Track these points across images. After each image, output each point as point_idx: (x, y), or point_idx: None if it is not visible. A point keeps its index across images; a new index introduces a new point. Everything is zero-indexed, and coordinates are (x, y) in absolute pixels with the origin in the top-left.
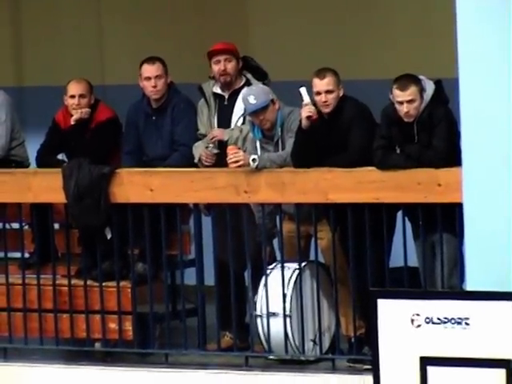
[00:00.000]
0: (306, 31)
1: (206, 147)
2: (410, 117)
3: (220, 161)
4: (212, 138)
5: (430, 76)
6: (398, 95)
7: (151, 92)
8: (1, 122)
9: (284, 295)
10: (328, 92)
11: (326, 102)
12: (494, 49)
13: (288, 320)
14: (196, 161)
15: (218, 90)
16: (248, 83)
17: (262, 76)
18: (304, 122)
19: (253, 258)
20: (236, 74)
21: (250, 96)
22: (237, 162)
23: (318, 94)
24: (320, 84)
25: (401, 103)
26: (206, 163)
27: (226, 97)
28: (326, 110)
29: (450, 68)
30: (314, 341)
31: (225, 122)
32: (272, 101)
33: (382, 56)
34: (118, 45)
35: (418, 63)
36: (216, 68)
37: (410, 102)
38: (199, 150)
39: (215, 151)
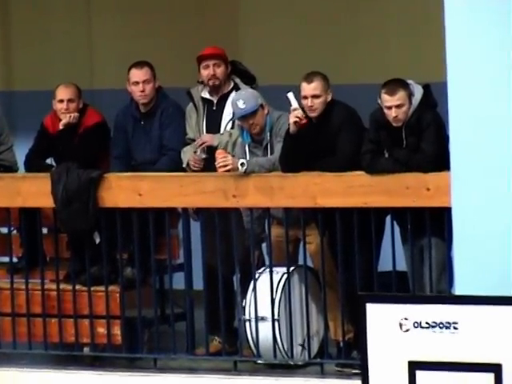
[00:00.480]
0: (296, 35)
1: (195, 152)
2: (399, 121)
3: (209, 165)
4: (201, 144)
5: (419, 80)
6: (387, 100)
7: (139, 97)
8: None
9: (272, 299)
10: (314, 97)
11: (312, 106)
12: (482, 53)
13: (276, 324)
14: (184, 165)
15: (206, 94)
16: (236, 87)
17: (250, 80)
18: (292, 127)
19: (241, 262)
20: (225, 78)
21: (239, 100)
22: (225, 166)
23: (305, 98)
24: (307, 88)
25: (389, 108)
26: (195, 168)
27: (215, 101)
28: (313, 115)
29: (438, 72)
30: (302, 345)
31: (214, 126)
32: (261, 105)
33: (371, 60)
34: (107, 49)
35: (406, 67)
36: (205, 73)
37: (398, 106)
38: (187, 154)
39: (203, 156)
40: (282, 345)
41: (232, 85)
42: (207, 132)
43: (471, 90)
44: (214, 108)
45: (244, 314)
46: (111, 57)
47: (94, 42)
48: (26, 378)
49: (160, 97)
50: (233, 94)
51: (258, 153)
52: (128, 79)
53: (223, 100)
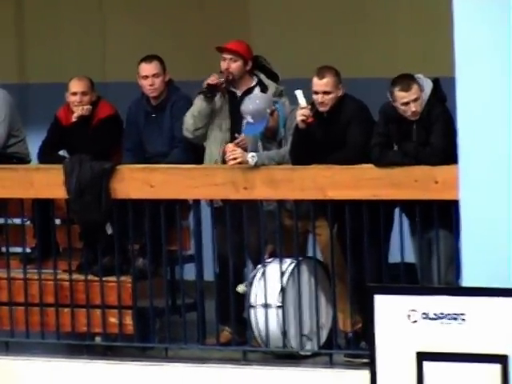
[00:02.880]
0: (307, 30)
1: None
2: (417, 115)
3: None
4: (242, 141)
5: (428, 74)
6: (403, 96)
7: (148, 90)
8: None
9: (282, 288)
10: (325, 93)
11: (322, 102)
12: (490, 48)
13: (281, 312)
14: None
15: (230, 87)
16: (261, 83)
17: (273, 77)
18: (300, 125)
19: (254, 253)
20: (241, 74)
21: (248, 115)
22: (235, 159)
23: (316, 93)
24: (318, 84)
25: (407, 104)
26: (211, 82)
27: (239, 95)
28: (323, 109)
29: (447, 67)
30: (306, 336)
31: (237, 120)
32: (271, 113)
33: (381, 54)
34: (120, 43)
35: (416, 62)
36: (222, 65)
37: (415, 100)
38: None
39: (217, 76)
40: (289, 335)
41: (256, 80)
42: (231, 124)
43: (479, 85)
44: (238, 100)
45: (250, 301)
46: (124, 50)
47: (106, 35)
48: (39, 367)
49: (171, 90)
50: (256, 90)
51: (273, 148)
52: (138, 73)
53: (247, 94)
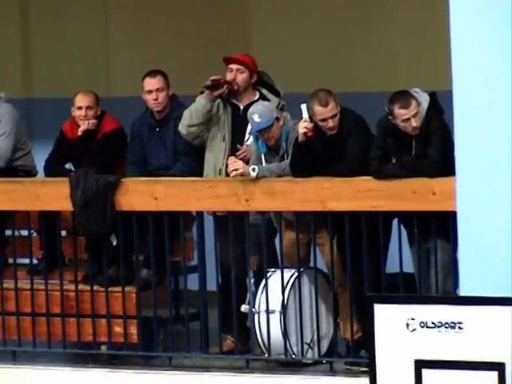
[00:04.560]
0: (306, 46)
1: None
2: (418, 129)
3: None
4: (242, 152)
5: (425, 88)
6: (404, 114)
7: (153, 104)
8: (6, 135)
9: (283, 296)
10: (334, 116)
11: (334, 126)
12: (486, 61)
13: (283, 319)
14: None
15: (233, 99)
16: (263, 97)
17: (275, 93)
18: (300, 137)
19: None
20: (246, 85)
21: (255, 114)
22: (236, 170)
23: (324, 120)
24: (325, 111)
25: (407, 120)
26: (207, 84)
27: (241, 107)
28: (333, 132)
29: (444, 80)
30: (308, 344)
31: (239, 131)
32: (277, 118)
33: (379, 69)
34: (124, 58)
35: (413, 76)
36: (228, 75)
37: (414, 115)
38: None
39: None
40: (290, 343)
41: (258, 95)
42: (232, 136)
43: (476, 97)
44: (240, 113)
45: (254, 307)
46: (128, 65)
47: (111, 51)
48: (46, 376)
49: (174, 104)
50: (251, 107)
51: (275, 161)
52: (142, 88)
53: (249, 108)
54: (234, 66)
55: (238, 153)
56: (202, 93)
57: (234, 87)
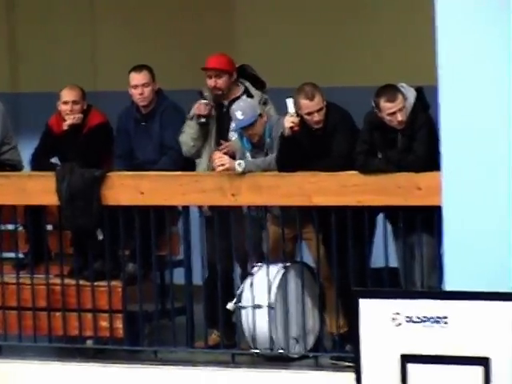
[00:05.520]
0: (291, 41)
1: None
2: (403, 123)
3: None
4: (225, 147)
5: (412, 83)
6: (390, 107)
7: (138, 99)
8: None
9: (269, 290)
10: (319, 110)
11: (319, 120)
12: (473, 57)
13: (272, 314)
14: (190, 115)
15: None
16: (247, 91)
17: (260, 85)
18: (287, 131)
19: (241, 259)
20: (228, 86)
21: (238, 112)
22: (222, 165)
23: (310, 114)
24: (311, 105)
25: (393, 114)
26: (202, 113)
27: (226, 104)
28: (318, 126)
29: (430, 76)
30: (296, 339)
31: (223, 128)
32: (260, 115)
33: (365, 64)
34: (110, 52)
35: (399, 71)
36: (208, 82)
37: (400, 109)
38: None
39: (206, 101)
40: (277, 338)
41: (242, 89)
42: (217, 133)
43: (462, 93)
44: (225, 110)
45: (240, 302)
46: (114, 60)
47: (97, 46)
48: (31, 370)
49: (160, 99)
50: (233, 105)
51: (260, 157)
52: (128, 82)
53: (233, 104)
54: (212, 73)
55: (220, 147)
56: (191, 119)
57: (218, 95)
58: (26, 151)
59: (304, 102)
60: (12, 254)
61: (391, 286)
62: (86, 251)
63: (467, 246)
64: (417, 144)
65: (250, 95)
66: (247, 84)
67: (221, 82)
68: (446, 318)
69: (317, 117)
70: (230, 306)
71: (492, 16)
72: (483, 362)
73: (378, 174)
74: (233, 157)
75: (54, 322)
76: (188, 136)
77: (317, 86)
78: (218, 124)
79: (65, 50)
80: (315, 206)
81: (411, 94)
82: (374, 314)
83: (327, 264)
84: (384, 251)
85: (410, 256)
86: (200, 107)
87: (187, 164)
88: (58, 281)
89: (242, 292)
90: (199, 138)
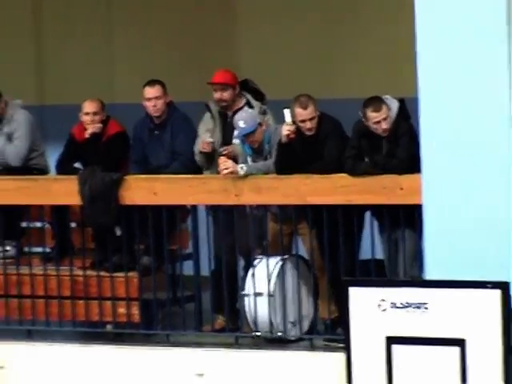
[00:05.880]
0: (289, 57)
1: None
2: (387, 131)
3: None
4: (226, 151)
5: (395, 95)
6: (375, 116)
7: (151, 111)
8: (22, 138)
9: (269, 279)
10: (312, 119)
11: (310, 128)
12: (449, 71)
13: (271, 300)
14: (197, 158)
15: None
16: (249, 103)
17: (260, 97)
18: (284, 139)
19: (244, 253)
20: (232, 98)
21: (240, 121)
22: (226, 169)
23: (303, 121)
24: (304, 114)
25: (378, 122)
26: (205, 150)
27: (230, 115)
28: (310, 133)
29: (411, 88)
30: (293, 323)
31: (227, 136)
32: (259, 124)
33: (354, 78)
34: (127, 68)
35: (384, 84)
36: (214, 95)
37: (385, 119)
38: (198, 145)
39: (211, 140)
40: (276, 322)
41: (244, 101)
42: (222, 140)
43: (440, 104)
44: (229, 120)
45: (243, 290)
46: (130, 75)
47: (115, 63)
48: (57, 352)
49: (171, 110)
50: (236, 115)
51: (260, 162)
52: (143, 95)
53: (236, 114)
54: (217, 87)
55: (222, 149)
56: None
57: (223, 107)
58: (52, 157)
59: (298, 110)
60: (40, 249)
61: (377, 275)
62: (106, 246)
63: (445, 239)
64: (400, 149)
65: (250, 106)
66: (248, 96)
67: (226, 94)
68: (426, 304)
69: (309, 124)
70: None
71: (468, 31)
72: (460, 343)
73: (365, 176)
74: (233, 158)
75: (77, 309)
76: (197, 158)
77: (311, 98)
78: (222, 132)
79: (85, 67)
80: (309, 205)
81: (394, 105)
82: (362, 300)
83: (320, 256)
84: (371, 245)
85: (395, 249)
86: (204, 145)
87: (195, 168)
88: (80, 272)
89: (244, 279)
90: (206, 162)
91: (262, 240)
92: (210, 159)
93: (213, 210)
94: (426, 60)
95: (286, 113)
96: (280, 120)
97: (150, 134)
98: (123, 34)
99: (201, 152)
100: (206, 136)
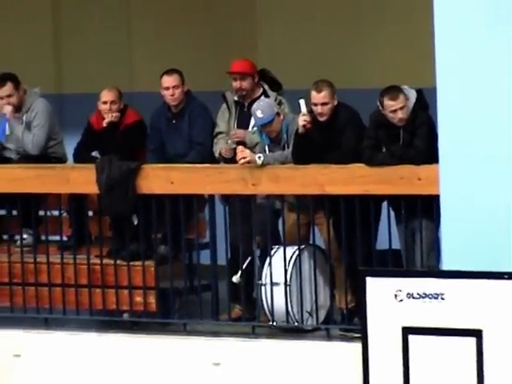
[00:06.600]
0: (308, 47)
1: (227, 143)
2: (403, 121)
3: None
4: (234, 135)
5: (413, 85)
6: (392, 105)
7: (169, 100)
8: (40, 126)
9: (285, 269)
10: (324, 104)
11: (321, 112)
12: (467, 61)
13: (288, 290)
14: (217, 155)
15: (240, 99)
16: (265, 93)
17: (277, 87)
18: (300, 129)
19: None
20: (251, 87)
21: (258, 111)
22: (244, 158)
23: (315, 105)
24: (317, 97)
25: (395, 111)
26: (226, 156)
27: (246, 104)
28: (322, 119)
29: (430, 78)
30: (309, 313)
31: (244, 125)
32: (277, 113)
33: (372, 68)
34: (145, 57)
35: (402, 75)
36: (233, 84)
37: (402, 108)
38: (219, 145)
39: (233, 146)
40: (293, 311)
41: (261, 90)
42: (239, 128)
43: (458, 94)
44: (245, 109)
45: (260, 280)
46: (148, 64)
47: (132, 53)
48: (74, 340)
49: (188, 99)
50: (254, 104)
51: (277, 151)
52: (160, 84)
53: (253, 103)
54: (237, 76)
55: (230, 134)
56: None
57: (242, 96)
58: (69, 146)
59: (312, 92)
60: (57, 237)
61: (394, 265)
62: (123, 234)
63: (462, 230)
64: (417, 140)
65: (267, 96)
66: (265, 86)
67: (245, 83)
68: (443, 294)
69: (319, 109)
70: (235, 279)
71: (485, 23)
72: (476, 333)
73: (383, 167)
74: (241, 143)
75: (94, 298)
76: (216, 155)
77: (330, 84)
78: (239, 121)
79: (104, 55)
80: (327, 195)
81: (412, 95)
82: (378, 290)
83: (337, 246)
84: (388, 235)
85: (411, 239)
86: (226, 151)
87: (212, 157)
88: (97, 261)
89: (261, 269)
90: (224, 163)
91: (278, 230)
92: (229, 161)
93: (228, 201)
94: (444, 50)
95: (302, 103)
96: (296, 110)
97: (168, 122)
98: (141, 23)
99: (220, 154)
100: (227, 141)
